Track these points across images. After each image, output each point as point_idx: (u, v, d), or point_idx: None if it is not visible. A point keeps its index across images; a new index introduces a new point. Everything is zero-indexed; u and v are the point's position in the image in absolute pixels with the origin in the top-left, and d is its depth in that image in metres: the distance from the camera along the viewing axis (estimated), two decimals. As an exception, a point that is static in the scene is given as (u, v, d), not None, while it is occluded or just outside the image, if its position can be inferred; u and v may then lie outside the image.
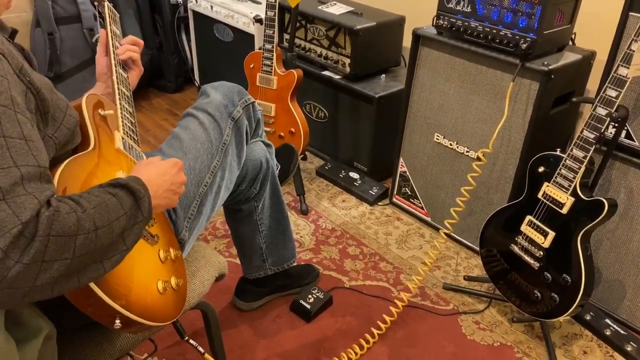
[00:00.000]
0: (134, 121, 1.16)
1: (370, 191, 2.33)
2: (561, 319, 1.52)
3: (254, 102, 1.43)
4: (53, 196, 0.71)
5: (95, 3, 1.32)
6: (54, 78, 2.62)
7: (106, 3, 1.29)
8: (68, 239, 0.69)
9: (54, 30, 2.56)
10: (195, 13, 2.96)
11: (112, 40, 1.22)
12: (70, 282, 0.73)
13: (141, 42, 1.27)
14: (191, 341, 1.16)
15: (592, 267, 1.49)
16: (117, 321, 0.85)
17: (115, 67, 1.18)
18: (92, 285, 0.79)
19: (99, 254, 0.75)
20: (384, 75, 2.38)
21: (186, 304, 1.07)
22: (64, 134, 0.89)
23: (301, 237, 2.08)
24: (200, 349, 1.19)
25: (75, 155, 0.91)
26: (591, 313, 1.72)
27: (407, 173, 2.18)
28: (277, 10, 2.04)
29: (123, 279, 0.87)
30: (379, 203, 2.31)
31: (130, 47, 1.24)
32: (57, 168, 0.84)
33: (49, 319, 0.89)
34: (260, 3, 2.75)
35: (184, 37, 3.15)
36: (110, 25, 1.25)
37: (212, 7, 2.80)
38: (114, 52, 1.20)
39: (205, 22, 2.91)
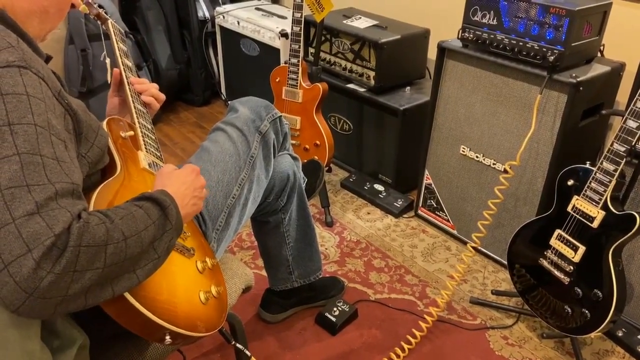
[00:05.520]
0: (154, 137, 1.18)
1: (395, 203, 2.32)
2: (592, 335, 1.49)
3: (281, 116, 1.45)
4: (84, 210, 0.74)
5: (99, 22, 1.31)
6: (87, 93, 2.70)
7: (110, 21, 1.29)
8: (98, 249, 0.72)
9: (86, 46, 2.64)
10: (222, 28, 3.01)
11: (120, 57, 1.22)
12: (104, 292, 0.75)
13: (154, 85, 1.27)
14: (238, 345, 1.19)
15: (624, 282, 1.46)
16: (167, 337, 0.88)
17: (129, 85, 1.18)
18: (142, 308, 0.82)
19: (131, 263, 0.77)
20: (408, 87, 2.38)
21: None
22: (96, 153, 0.93)
23: (326, 249, 2.09)
24: (247, 352, 1.21)
25: (105, 182, 0.94)
26: (623, 329, 1.67)
27: (433, 185, 2.17)
28: (302, 25, 2.06)
29: (168, 296, 0.90)
30: (404, 215, 2.31)
31: (152, 91, 1.24)
32: (91, 195, 0.87)
33: (83, 329, 0.91)
34: (286, 18, 2.80)
35: (211, 51, 3.21)
36: (117, 42, 1.25)
37: (238, 23, 2.86)
38: (124, 68, 1.20)
39: (232, 37, 2.96)
